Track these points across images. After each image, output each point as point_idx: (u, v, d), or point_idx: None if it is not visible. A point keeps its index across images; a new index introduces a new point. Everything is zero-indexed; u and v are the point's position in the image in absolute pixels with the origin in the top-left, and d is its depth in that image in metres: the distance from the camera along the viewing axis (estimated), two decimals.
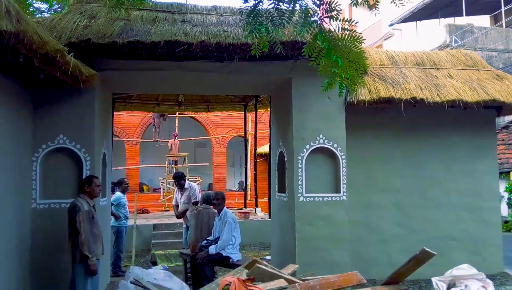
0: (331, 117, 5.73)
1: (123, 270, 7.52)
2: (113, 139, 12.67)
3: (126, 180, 7.96)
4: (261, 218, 10.36)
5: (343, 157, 5.74)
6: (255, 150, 12.11)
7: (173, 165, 15.58)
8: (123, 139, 17.17)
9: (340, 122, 5.76)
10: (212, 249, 5.68)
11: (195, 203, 7.44)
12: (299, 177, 5.62)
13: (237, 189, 19.45)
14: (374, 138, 6.36)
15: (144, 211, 12.09)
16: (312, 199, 5.65)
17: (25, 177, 4.93)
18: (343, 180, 5.73)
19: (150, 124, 17.57)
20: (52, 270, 4.97)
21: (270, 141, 10.84)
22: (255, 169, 11.95)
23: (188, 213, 7.51)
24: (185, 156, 15.10)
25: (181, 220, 8.19)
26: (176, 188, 7.85)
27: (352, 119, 5.87)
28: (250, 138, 18.32)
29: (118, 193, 7.56)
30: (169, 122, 18.27)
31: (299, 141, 5.66)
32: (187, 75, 5.66)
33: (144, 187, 18.53)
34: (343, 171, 5.73)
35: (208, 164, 17.99)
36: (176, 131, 16.96)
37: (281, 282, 3.88)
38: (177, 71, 5.50)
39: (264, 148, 17.67)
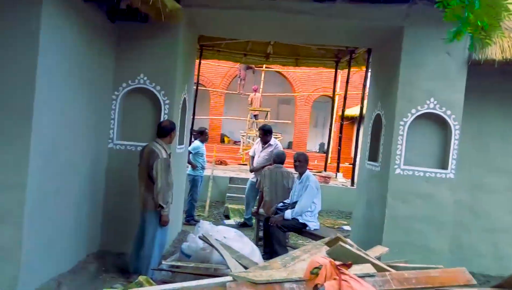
0: (448, 77, 4.71)
1: (196, 220, 7.41)
2: (199, 88, 12.63)
3: (207, 130, 7.67)
4: (342, 185, 9.64)
5: (457, 127, 4.74)
6: (343, 111, 11.18)
7: (254, 119, 15.25)
8: (209, 88, 17.14)
9: (458, 85, 4.72)
10: (288, 214, 5.18)
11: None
12: (398, 146, 4.79)
13: (317, 151, 18.74)
14: (497, 109, 5.21)
15: (222, 163, 12.01)
16: (410, 172, 4.81)
17: (104, 115, 4.75)
18: (453, 155, 4.77)
19: (236, 75, 17.30)
20: (122, 213, 4.85)
21: (361, 103, 9.91)
22: (340, 132, 11.10)
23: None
24: (267, 111, 14.64)
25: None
26: (258, 140, 7.36)
27: (473, 82, 4.78)
28: (337, 99, 17.30)
29: (197, 142, 7.32)
30: (255, 75, 17.84)
31: (403, 103, 4.76)
32: (279, 17, 4.96)
33: (225, 139, 18.59)
34: (454, 144, 4.76)
35: (290, 122, 17.42)
36: (262, 85, 16.48)
37: (368, 268, 3.23)
38: (269, 11, 4.82)
39: (351, 111, 16.59)
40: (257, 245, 6.11)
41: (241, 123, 17.66)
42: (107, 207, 4.89)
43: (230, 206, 8.10)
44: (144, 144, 4.62)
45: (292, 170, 5.83)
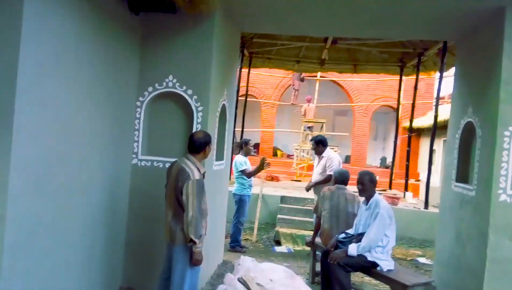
0: None
1: (242, 246, 6.47)
2: (249, 99, 11.81)
3: (250, 141, 6.73)
4: (414, 207, 8.23)
5: None
6: (411, 122, 9.81)
7: (308, 131, 14.16)
8: (260, 100, 16.32)
9: None
10: (352, 249, 4.06)
11: (330, 178, 5.86)
12: (502, 164, 3.54)
13: (379, 166, 17.20)
14: None
15: (273, 179, 10.99)
16: None
17: (127, 126, 3.96)
18: None
19: (289, 86, 16.37)
20: (149, 242, 4.02)
21: (435, 112, 8.50)
22: (408, 145, 9.70)
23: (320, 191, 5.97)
24: (322, 123, 13.49)
25: (311, 194, 6.68)
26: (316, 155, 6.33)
27: None
28: (400, 109, 15.74)
29: (240, 157, 6.38)
30: (309, 85, 16.80)
31: (508, 107, 3.53)
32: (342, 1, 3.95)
33: (278, 152, 17.63)
34: None
35: (347, 134, 16.11)
36: (316, 95, 15.40)
37: None
38: None
39: (416, 122, 14.99)
40: (312, 281, 5.05)
41: (295, 135, 16.61)
42: (130, 236, 4.07)
43: (281, 230, 7.07)
44: (173, 159, 3.77)
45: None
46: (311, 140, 6.25)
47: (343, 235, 4.44)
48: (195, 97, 3.97)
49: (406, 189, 9.65)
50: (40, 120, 2.65)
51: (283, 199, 8.05)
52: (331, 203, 4.83)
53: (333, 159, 5.98)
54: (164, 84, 4.01)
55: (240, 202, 6.39)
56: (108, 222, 3.71)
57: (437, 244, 5.02)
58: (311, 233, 6.64)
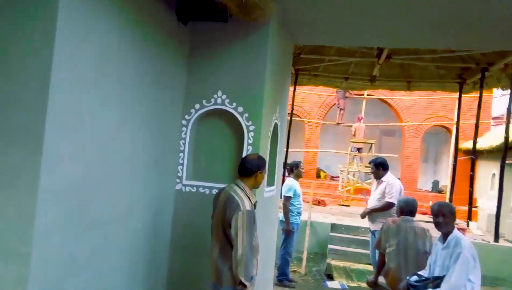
0: None
1: (291, 279, 5.90)
2: (293, 118, 11.33)
3: (301, 163, 6.21)
4: (482, 239, 7.33)
5: None
6: (474, 144, 9.02)
7: (356, 152, 13.45)
8: (304, 119, 15.81)
9: None
10: None
11: (389, 206, 5.23)
12: None
13: (431, 190, 16.11)
14: None
15: (320, 203, 10.35)
16: None
17: (172, 147, 3.57)
18: None
19: (333, 105, 15.81)
20: (191, 277, 3.56)
21: (506, 133, 7.63)
22: (472, 170, 8.82)
23: (378, 220, 5.33)
24: (371, 143, 12.76)
25: (365, 222, 6.04)
26: (374, 179, 5.72)
27: None
28: (455, 129, 14.73)
29: (290, 181, 5.87)
30: (355, 104, 16.17)
31: None
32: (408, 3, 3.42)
33: (321, 173, 16.95)
34: None
35: (396, 155, 15.20)
36: (363, 114, 14.71)
37: None
38: None
39: (469, 144, 13.94)
40: None
41: (339, 156, 15.93)
42: (173, 271, 3.62)
43: (333, 262, 6.44)
44: (221, 185, 3.34)
45: (428, 225, 4.10)
46: (370, 162, 5.66)
47: (415, 277, 3.78)
48: (246, 115, 3.53)
49: (469, 218, 8.73)
50: (74, 142, 2.27)
51: (334, 227, 7.42)
52: (398, 239, 4.20)
53: (393, 185, 5.35)
54: (213, 100, 3.61)
55: (287, 231, 5.86)
56: (149, 256, 3.29)
57: None
58: (367, 266, 6.00)
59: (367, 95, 15.12)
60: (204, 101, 3.63)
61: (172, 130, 3.54)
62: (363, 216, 5.69)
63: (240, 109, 3.54)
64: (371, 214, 5.49)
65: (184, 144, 3.65)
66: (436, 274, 3.63)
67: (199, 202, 3.59)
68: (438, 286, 3.46)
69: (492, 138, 13.61)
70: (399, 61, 8.80)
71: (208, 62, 3.62)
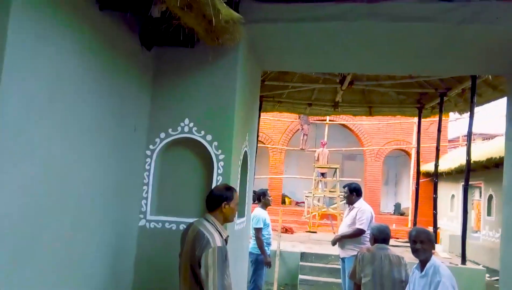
0: None
1: None
2: (258, 145, 11.23)
3: (268, 191, 6.01)
4: (450, 263, 7.35)
5: None
6: (436, 166, 9.16)
7: (320, 177, 13.46)
8: (268, 145, 15.76)
9: None
10: None
11: (359, 233, 5.10)
12: None
13: (393, 213, 16.35)
14: None
15: (287, 230, 10.15)
16: None
17: (134, 179, 3.29)
18: None
19: (297, 130, 15.88)
20: None
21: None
22: (435, 192, 8.93)
23: (348, 247, 5.18)
24: (335, 168, 12.81)
25: (336, 249, 5.85)
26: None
27: None
28: (414, 153, 15.16)
29: (258, 210, 5.64)
30: (317, 129, 16.34)
31: None
32: (379, 29, 3.40)
33: (286, 199, 16.85)
34: None
35: (360, 180, 15.35)
36: (325, 139, 14.86)
37: None
38: (365, 21, 3.28)
39: (428, 166, 14.40)
40: None
41: (303, 182, 15.92)
42: None
43: None
44: (190, 220, 3.09)
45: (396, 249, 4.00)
46: (344, 186, 5.52)
47: None
48: (215, 143, 3.33)
49: (436, 240, 8.80)
50: (24, 172, 1.99)
51: (304, 256, 7.22)
52: (373, 268, 4.06)
53: (364, 211, 5.24)
54: (179, 128, 3.38)
55: (257, 262, 5.59)
56: None
57: None
58: None
59: (329, 120, 15.33)
60: (170, 130, 3.40)
61: (135, 161, 3.27)
62: (333, 243, 5.53)
63: (209, 137, 3.33)
64: (341, 241, 5.33)
65: (148, 176, 3.38)
66: None
67: (165, 239, 3.31)
68: None
69: (450, 160, 14.10)
70: (361, 87, 8.95)
71: (174, 89, 3.42)
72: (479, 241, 12.02)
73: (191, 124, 3.37)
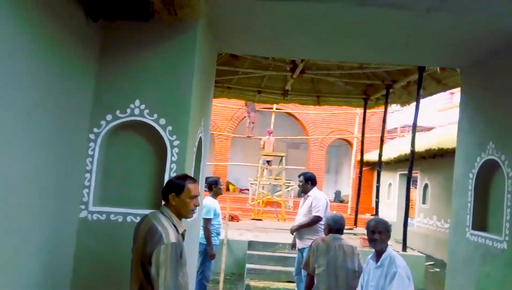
0: None
1: None
2: None
3: (219, 179, 5.77)
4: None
5: None
6: (380, 156, 9.39)
7: (266, 165, 13.44)
8: (214, 132, 15.46)
9: None
10: None
11: (316, 220, 5.05)
12: None
13: (333, 200, 16.82)
14: None
15: (233, 218, 10.01)
16: None
17: (75, 166, 2.92)
18: None
19: (243, 118, 15.73)
20: None
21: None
22: (378, 181, 9.21)
23: (306, 237, 5.12)
24: (281, 156, 12.84)
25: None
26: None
27: None
28: (355, 142, 15.63)
29: (209, 199, 5.40)
30: (263, 117, 16.28)
31: None
32: (345, 14, 3.27)
33: (231, 187, 16.73)
34: None
35: (304, 168, 15.59)
36: (272, 127, 14.85)
37: None
38: (332, 4, 3.13)
39: (369, 155, 14.91)
40: None
41: (248, 169, 15.87)
42: None
43: (252, 283, 6.10)
44: (139, 211, 2.82)
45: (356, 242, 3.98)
46: (299, 175, 5.40)
47: None
48: (169, 128, 3.04)
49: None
50: None
51: (251, 244, 7.11)
52: (328, 258, 4.00)
53: (319, 199, 5.17)
54: (129, 110, 3.05)
55: (205, 253, 5.37)
56: None
57: None
58: (287, 285, 5.78)
59: (276, 109, 15.34)
60: (118, 112, 3.05)
61: (76, 145, 2.89)
62: (292, 232, 5.44)
63: (162, 121, 3.03)
64: (299, 231, 5.25)
65: (91, 162, 3.02)
66: None
67: (110, 233, 2.98)
68: None
69: (388, 150, 14.70)
70: (310, 76, 8.94)
71: (123, 66, 3.06)
72: (414, 227, 12.68)
73: (143, 106, 3.05)
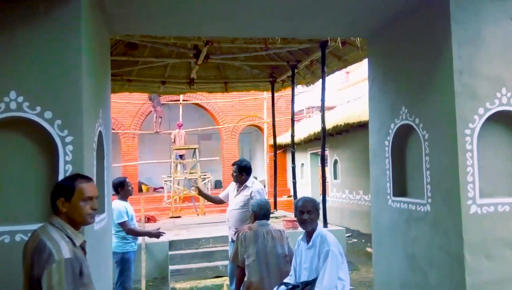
0: None
1: None
2: None
3: (127, 180, 5.23)
4: None
5: None
6: (292, 137, 9.46)
7: (179, 160, 12.90)
8: (119, 131, 14.43)
9: None
10: None
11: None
12: (468, 169, 3.02)
13: None
14: None
15: (150, 219, 9.38)
16: (492, 209, 3.06)
17: None
18: None
19: (149, 113, 14.94)
20: None
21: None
22: (293, 162, 9.27)
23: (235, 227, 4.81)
24: (195, 148, 12.41)
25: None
26: (233, 182, 5.05)
27: None
28: (266, 127, 15.73)
29: (118, 203, 4.83)
30: (170, 111, 15.63)
31: (465, 100, 3.05)
32: None
33: (143, 187, 15.87)
34: None
35: (218, 158, 15.34)
36: (181, 120, 14.30)
37: None
38: None
39: (281, 138, 15.16)
40: None
41: (160, 167, 15.19)
42: None
43: (177, 285, 5.68)
44: (29, 227, 2.30)
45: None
46: (233, 164, 4.99)
47: (283, 287, 3.42)
48: (58, 122, 2.50)
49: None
50: None
51: (172, 244, 6.64)
52: (257, 247, 3.78)
53: (259, 192, 4.84)
54: (2, 106, 2.44)
55: (123, 262, 4.83)
56: None
57: (376, 274, 4.36)
58: (214, 281, 5.51)
59: (183, 100, 14.80)
60: None
61: None
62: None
63: (48, 114, 2.49)
64: (234, 223, 4.89)
65: None
66: (305, 278, 3.34)
67: None
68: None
69: (297, 131, 15.06)
70: (216, 62, 8.64)
71: None
72: (328, 203, 13.16)
73: (20, 99, 2.47)
